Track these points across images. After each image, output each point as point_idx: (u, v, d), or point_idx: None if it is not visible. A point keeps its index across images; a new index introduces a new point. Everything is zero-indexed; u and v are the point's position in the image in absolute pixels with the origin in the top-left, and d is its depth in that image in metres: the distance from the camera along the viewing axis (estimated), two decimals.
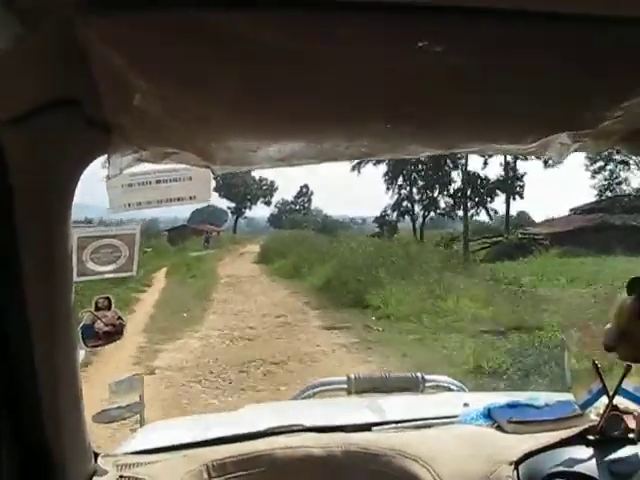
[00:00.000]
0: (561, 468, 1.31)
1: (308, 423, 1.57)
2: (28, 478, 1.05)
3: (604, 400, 1.41)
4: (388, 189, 39.06)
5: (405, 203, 39.20)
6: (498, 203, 36.15)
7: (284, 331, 11.65)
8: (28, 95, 0.83)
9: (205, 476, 1.32)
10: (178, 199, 1.28)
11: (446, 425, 1.58)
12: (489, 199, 36.13)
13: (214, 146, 0.99)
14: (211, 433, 1.57)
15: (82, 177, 1.00)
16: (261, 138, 0.98)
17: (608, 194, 32.12)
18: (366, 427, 1.59)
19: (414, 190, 38.68)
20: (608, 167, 32.07)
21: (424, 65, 0.79)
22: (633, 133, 1.07)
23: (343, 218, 57.64)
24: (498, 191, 35.60)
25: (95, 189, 1.18)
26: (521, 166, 35.41)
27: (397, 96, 0.86)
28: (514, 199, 35.39)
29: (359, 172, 36.08)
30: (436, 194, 37.67)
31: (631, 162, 30.29)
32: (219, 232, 47.23)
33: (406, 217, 39.43)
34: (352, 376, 2.16)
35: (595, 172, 32.87)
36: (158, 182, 1.26)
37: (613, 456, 1.33)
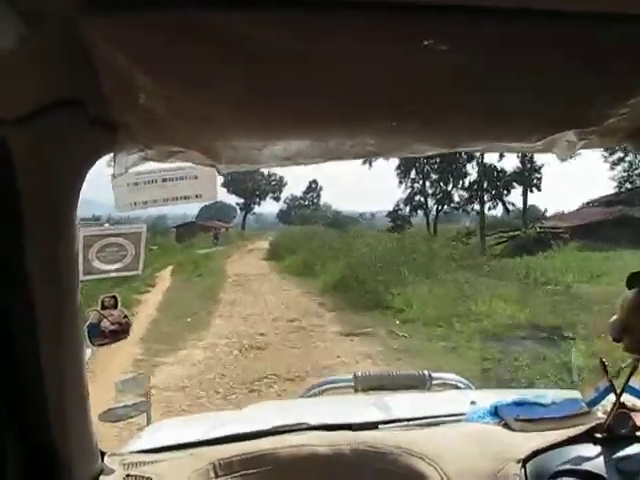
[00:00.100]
0: (568, 466, 1.30)
1: (314, 421, 1.57)
2: (34, 478, 1.05)
3: (611, 398, 1.41)
4: (401, 183, 38.62)
5: (418, 197, 38.45)
6: (513, 196, 35.49)
7: (299, 338, 10.47)
8: (33, 95, 0.84)
9: (212, 475, 1.32)
10: (184, 197, 1.29)
11: (453, 423, 1.57)
12: (505, 192, 35.21)
13: (219, 145, 0.99)
14: (217, 432, 1.57)
15: (90, 174, 1.00)
16: (266, 137, 0.98)
17: (627, 186, 30.87)
18: (373, 425, 1.58)
19: (427, 184, 38.01)
20: (627, 158, 30.71)
21: (428, 64, 0.79)
22: (639, 130, 1.06)
23: (352, 213, 57.35)
24: (515, 184, 34.71)
25: (103, 186, 1.18)
26: (538, 157, 33.64)
27: (401, 95, 0.86)
28: (531, 191, 34.45)
29: (370, 166, 35.71)
30: (450, 187, 36.98)
31: None
32: (227, 228, 46.98)
33: (419, 212, 38.70)
34: (359, 374, 2.17)
35: (614, 164, 31.53)
36: (164, 181, 1.26)
37: (621, 454, 1.32)
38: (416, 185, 38.48)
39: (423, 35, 0.74)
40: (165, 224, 42.05)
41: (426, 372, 2.18)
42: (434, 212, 37.74)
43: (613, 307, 1.28)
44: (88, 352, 1.29)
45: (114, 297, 1.51)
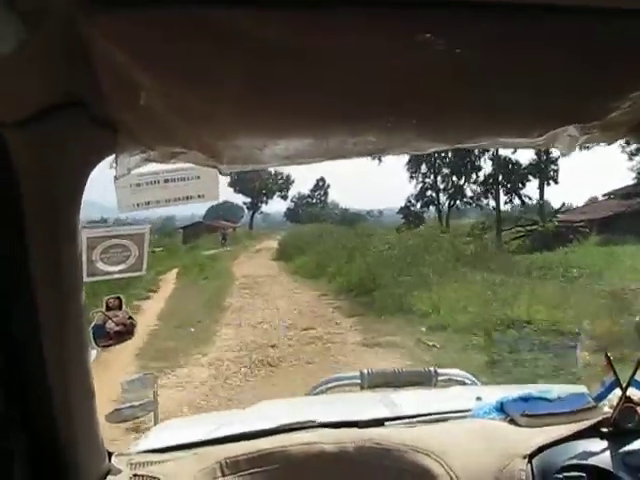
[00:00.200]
0: (575, 461, 1.30)
1: (321, 419, 1.57)
2: (41, 478, 1.06)
3: (617, 392, 1.40)
4: (412, 178, 37.77)
5: (429, 192, 37.68)
6: (528, 189, 34.21)
7: (315, 351, 9.27)
8: (33, 97, 0.84)
9: (218, 474, 1.32)
10: (187, 198, 1.29)
11: (459, 419, 1.57)
12: (521, 185, 33.91)
13: (221, 145, 0.99)
14: (224, 431, 1.57)
15: (97, 177, 1.00)
16: (267, 135, 0.98)
17: None
18: (379, 422, 1.59)
19: (438, 178, 37.25)
20: None
21: (428, 60, 0.79)
22: None
23: (360, 211, 57.14)
24: (530, 176, 33.54)
25: (110, 189, 1.19)
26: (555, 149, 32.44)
27: (402, 92, 0.86)
28: (548, 184, 33.18)
29: (380, 161, 35.19)
30: (462, 182, 36.24)
31: None
32: (235, 228, 46.80)
33: (430, 207, 38.04)
34: (365, 371, 2.17)
35: (632, 154, 30.14)
36: (166, 181, 1.26)
37: (627, 448, 1.32)
38: (427, 180, 37.78)
39: (422, 31, 0.74)
40: (173, 225, 42.00)
41: (432, 368, 2.19)
42: (446, 207, 37.14)
43: None
44: (93, 353, 1.29)
45: (119, 298, 1.51)
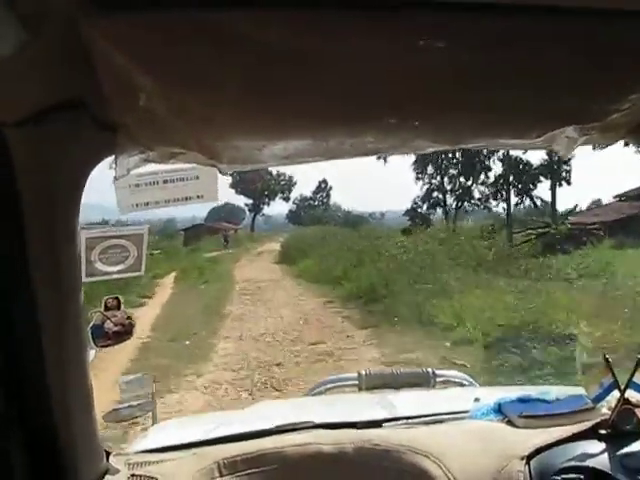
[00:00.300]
0: (573, 463, 1.30)
1: (319, 420, 1.57)
2: (40, 478, 1.06)
3: (616, 394, 1.41)
4: (418, 179, 36.64)
5: (436, 194, 36.55)
6: (539, 190, 32.97)
7: (327, 371, 7.28)
8: (34, 98, 0.84)
9: (216, 474, 1.32)
10: (186, 198, 1.29)
11: (457, 420, 1.58)
12: (532, 186, 32.68)
13: (220, 145, 0.99)
14: (222, 431, 1.57)
15: (97, 179, 1.00)
16: (266, 137, 0.99)
17: None
18: (377, 423, 1.59)
19: (445, 179, 36.16)
20: None
21: (428, 62, 0.79)
22: None
23: (362, 213, 56.42)
24: (542, 177, 32.08)
25: (111, 190, 1.19)
26: None
27: (401, 93, 0.86)
28: (560, 185, 31.58)
29: (385, 161, 34.07)
30: (470, 183, 35.07)
31: None
32: (236, 230, 46.30)
33: (437, 209, 36.86)
34: (363, 372, 2.17)
35: None
36: (165, 182, 1.26)
37: (625, 450, 1.32)
38: (434, 181, 36.71)
39: (422, 33, 0.74)
40: (175, 227, 41.50)
41: (430, 369, 2.19)
42: (453, 209, 36.04)
43: None
44: (92, 353, 1.29)
45: (117, 298, 1.51)
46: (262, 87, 0.81)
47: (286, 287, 16.89)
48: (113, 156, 0.97)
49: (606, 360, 1.42)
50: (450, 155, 34.36)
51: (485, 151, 31.74)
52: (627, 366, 1.33)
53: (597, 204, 31.68)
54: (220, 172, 1.11)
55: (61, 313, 1.02)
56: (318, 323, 11.41)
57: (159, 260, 20.34)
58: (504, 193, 32.81)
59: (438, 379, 2.18)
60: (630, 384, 1.38)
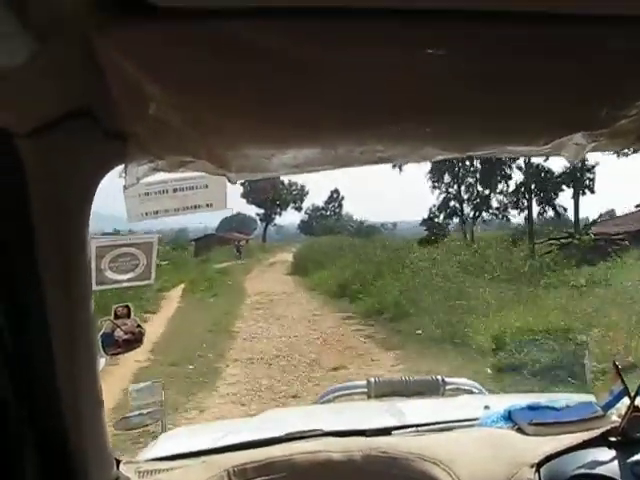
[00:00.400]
0: (583, 470, 1.30)
1: (328, 427, 1.57)
2: None
3: (626, 401, 1.40)
4: (435, 187, 35.61)
5: (452, 203, 35.51)
6: (561, 199, 31.93)
7: None
8: (45, 108, 0.85)
9: None
10: (195, 207, 1.29)
11: (467, 428, 1.57)
12: (553, 195, 31.70)
13: (230, 154, 0.99)
14: (231, 439, 1.57)
15: (109, 190, 1.01)
16: (275, 146, 0.99)
17: None
18: (386, 431, 1.58)
19: (462, 188, 35.14)
20: None
21: (434, 70, 0.79)
22: None
23: (374, 223, 56.13)
24: (564, 186, 30.94)
25: (122, 200, 1.20)
26: (590, 156, 28.82)
27: (407, 101, 0.86)
28: (583, 194, 30.41)
29: (401, 170, 33.61)
30: (488, 192, 34.04)
31: None
32: (248, 240, 45.52)
33: (453, 219, 35.82)
34: (372, 380, 2.17)
35: None
36: (175, 191, 1.27)
37: (635, 458, 1.31)
38: (451, 190, 35.65)
39: (428, 41, 0.74)
40: (186, 237, 41.11)
41: (439, 377, 2.18)
42: (470, 219, 34.90)
43: None
44: (102, 361, 1.30)
45: (127, 306, 1.52)
46: (270, 96, 0.82)
47: (300, 301, 15.99)
48: (123, 165, 0.98)
49: (616, 367, 1.41)
50: (468, 163, 33.62)
51: (504, 159, 30.72)
52: None
53: (611, 215, 30.89)
54: (229, 181, 1.12)
55: (72, 321, 1.03)
56: (338, 343, 10.42)
57: (167, 271, 19.07)
58: (524, 202, 31.90)
59: (448, 387, 2.17)
60: None
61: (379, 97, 0.85)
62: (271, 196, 52.89)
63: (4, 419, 0.97)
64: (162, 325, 11.95)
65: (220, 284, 19.53)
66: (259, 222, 55.95)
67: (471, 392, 2.23)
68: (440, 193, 35.89)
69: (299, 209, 57.64)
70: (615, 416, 1.46)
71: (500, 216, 34.67)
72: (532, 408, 1.58)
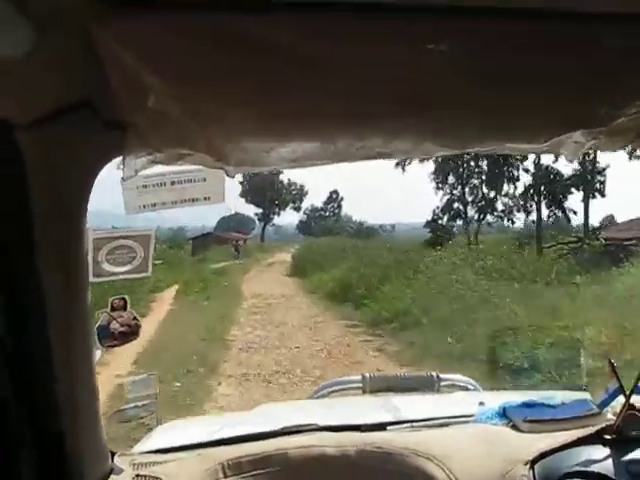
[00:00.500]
0: (577, 468, 1.30)
1: (323, 422, 1.57)
2: (46, 477, 1.06)
3: (621, 399, 1.40)
4: (439, 189, 34.46)
5: (456, 205, 34.33)
6: (570, 202, 30.60)
7: None
8: (45, 99, 0.84)
9: (220, 475, 1.32)
10: (193, 200, 1.29)
11: (461, 424, 1.57)
12: (562, 198, 30.38)
13: (229, 147, 0.99)
14: (227, 432, 1.57)
15: (107, 186, 1.01)
16: (275, 139, 0.99)
17: None
18: (381, 426, 1.59)
19: (466, 190, 33.94)
20: None
21: (435, 66, 0.79)
22: None
23: (372, 225, 55.49)
24: (573, 189, 29.77)
25: (121, 196, 1.20)
26: (601, 158, 27.87)
27: (409, 97, 0.87)
28: (593, 197, 29.29)
29: (404, 170, 32.22)
30: (494, 194, 32.91)
31: None
32: (246, 240, 44.88)
33: (457, 221, 34.58)
34: (367, 375, 2.17)
35: None
36: (173, 183, 1.27)
37: (630, 456, 1.32)
38: (455, 192, 34.42)
39: (434, 37, 0.74)
40: (184, 236, 40.76)
41: (434, 373, 2.18)
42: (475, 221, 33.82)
43: None
44: (98, 353, 1.30)
45: (123, 299, 1.52)
46: (271, 88, 0.82)
47: (300, 305, 15.01)
48: (121, 157, 0.98)
49: (611, 365, 1.41)
50: (473, 164, 32.91)
51: (511, 159, 30.14)
52: None
53: (610, 221, 30.42)
54: (227, 174, 1.12)
55: (69, 313, 1.03)
56: (345, 357, 9.44)
57: (160, 271, 17.43)
58: (531, 205, 31.34)
59: (443, 383, 2.17)
60: (635, 389, 1.38)
61: (379, 92, 0.85)
62: (270, 196, 52.43)
63: (0, 406, 0.98)
64: (150, 331, 10.36)
65: (216, 286, 18.56)
66: (257, 222, 55.28)
67: (466, 388, 2.23)
68: (444, 194, 34.96)
69: (298, 209, 57.40)
70: (610, 414, 1.46)
71: (506, 219, 33.63)
72: (527, 405, 1.58)
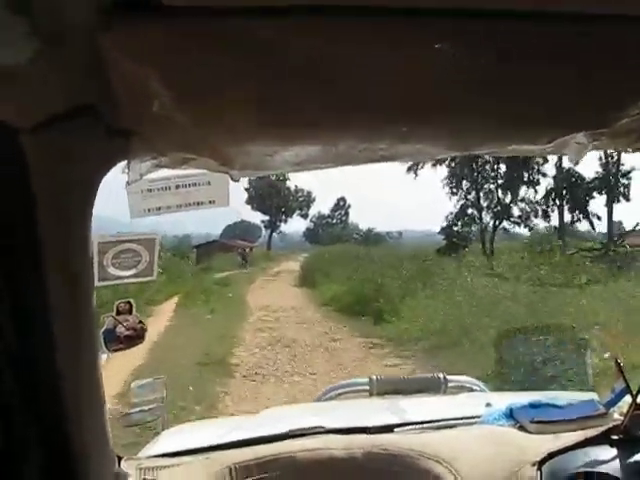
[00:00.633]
0: (584, 468, 1.30)
1: (330, 425, 1.57)
2: None
3: (628, 399, 1.40)
4: (454, 194, 33.33)
5: (470, 211, 33.23)
6: (593, 207, 30.04)
7: None
8: (49, 105, 0.85)
9: (228, 478, 1.32)
10: (197, 204, 1.30)
11: (468, 426, 1.57)
12: (585, 202, 29.79)
13: (233, 151, 1.00)
14: (233, 436, 1.57)
15: (111, 193, 1.01)
16: (279, 143, 0.99)
17: None
18: (388, 428, 1.58)
19: (481, 195, 32.59)
20: None
21: (438, 69, 0.79)
22: None
23: (379, 232, 55.61)
24: (595, 193, 29.28)
25: (126, 204, 1.20)
26: (625, 160, 27.39)
27: (412, 100, 0.87)
28: (618, 201, 28.64)
29: (416, 175, 31.68)
30: (510, 199, 31.88)
31: None
32: (252, 248, 43.68)
33: (472, 227, 33.21)
34: (374, 377, 2.17)
35: None
36: (177, 187, 1.27)
37: (637, 456, 1.31)
38: (469, 197, 33.26)
39: (434, 40, 0.74)
40: (190, 243, 40.32)
41: (441, 375, 2.18)
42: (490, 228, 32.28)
43: None
44: (104, 357, 1.30)
45: (129, 302, 1.52)
46: (275, 93, 0.82)
47: (312, 320, 13.62)
48: (126, 162, 0.98)
49: (618, 365, 1.41)
50: (488, 167, 31.84)
51: (530, 163, 29.22)
52: None
53: (618, 227, 29.48)
54: (232, 178, 1.12)
55: (74, 317, 1.03)
56: None
57: (160, 282, 15.46)
58: (552, 209, 30.55)
59: (449, 384, 2.17)
60: None
61: (382, 95, 0.85)
62: (276, 202, 51.63)
63: (6, 411, 0.98)
64: (142, 353, 8.70)
65: (219, 297, 17.21)
66: (263, 229, 54.77)
67: (472, 390, 2.23)
68: (458, 200, 33.80)
69: (305, 216, 57.04)
70: (617, 414, 1.46)
71: (523, 225, 32.52)
72: (534, 406, 1.58)
